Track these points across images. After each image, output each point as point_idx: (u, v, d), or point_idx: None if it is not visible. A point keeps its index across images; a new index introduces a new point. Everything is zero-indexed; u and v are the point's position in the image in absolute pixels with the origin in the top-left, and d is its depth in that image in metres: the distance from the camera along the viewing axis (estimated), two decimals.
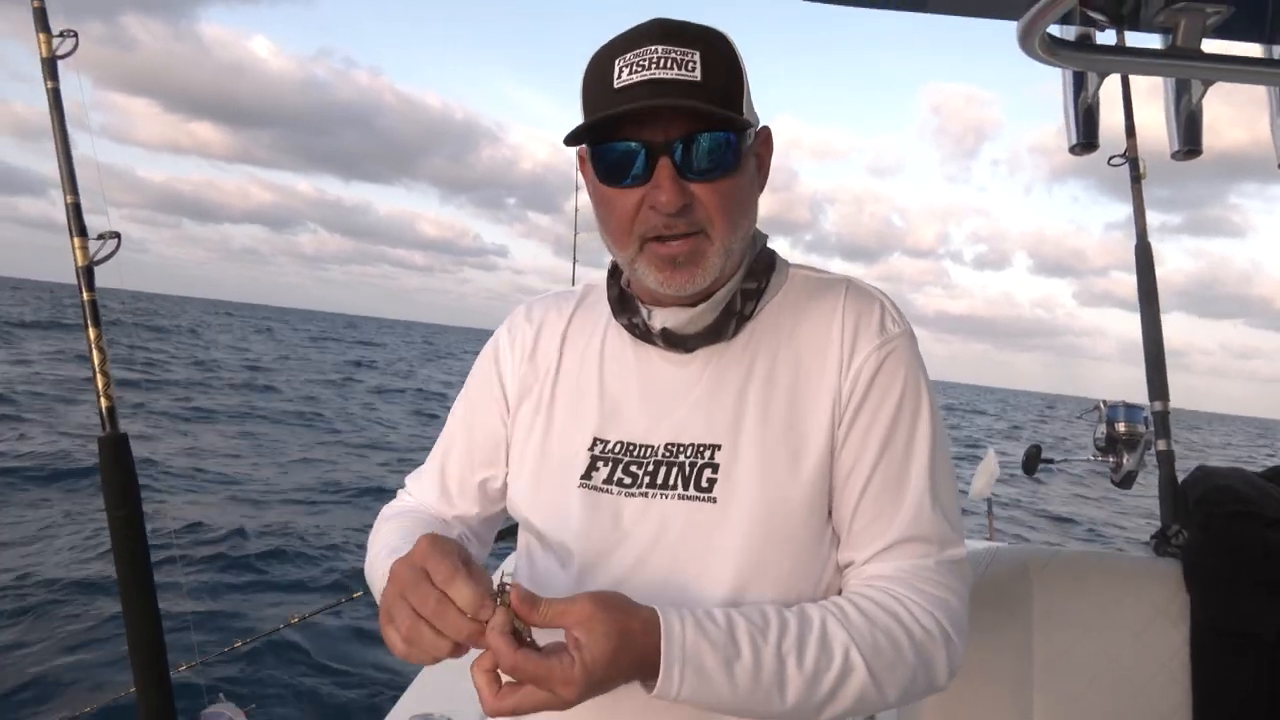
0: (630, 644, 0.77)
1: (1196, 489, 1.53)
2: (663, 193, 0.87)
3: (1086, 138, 1.80)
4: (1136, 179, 1.82)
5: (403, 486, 1.18)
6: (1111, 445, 1.86)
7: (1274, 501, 1.44)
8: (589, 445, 1.00)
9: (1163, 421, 1.69)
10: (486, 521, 1.13)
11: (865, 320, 0.96)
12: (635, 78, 0.85)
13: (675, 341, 0.98)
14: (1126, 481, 1.84)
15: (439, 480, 1.11)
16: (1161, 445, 1.67)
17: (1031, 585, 1.38)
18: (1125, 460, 1.83)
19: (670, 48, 0.85)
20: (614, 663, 0.76)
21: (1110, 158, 1.87)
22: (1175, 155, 1.74)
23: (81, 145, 1.41)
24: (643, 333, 1.00)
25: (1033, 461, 2.14)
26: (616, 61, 0.87)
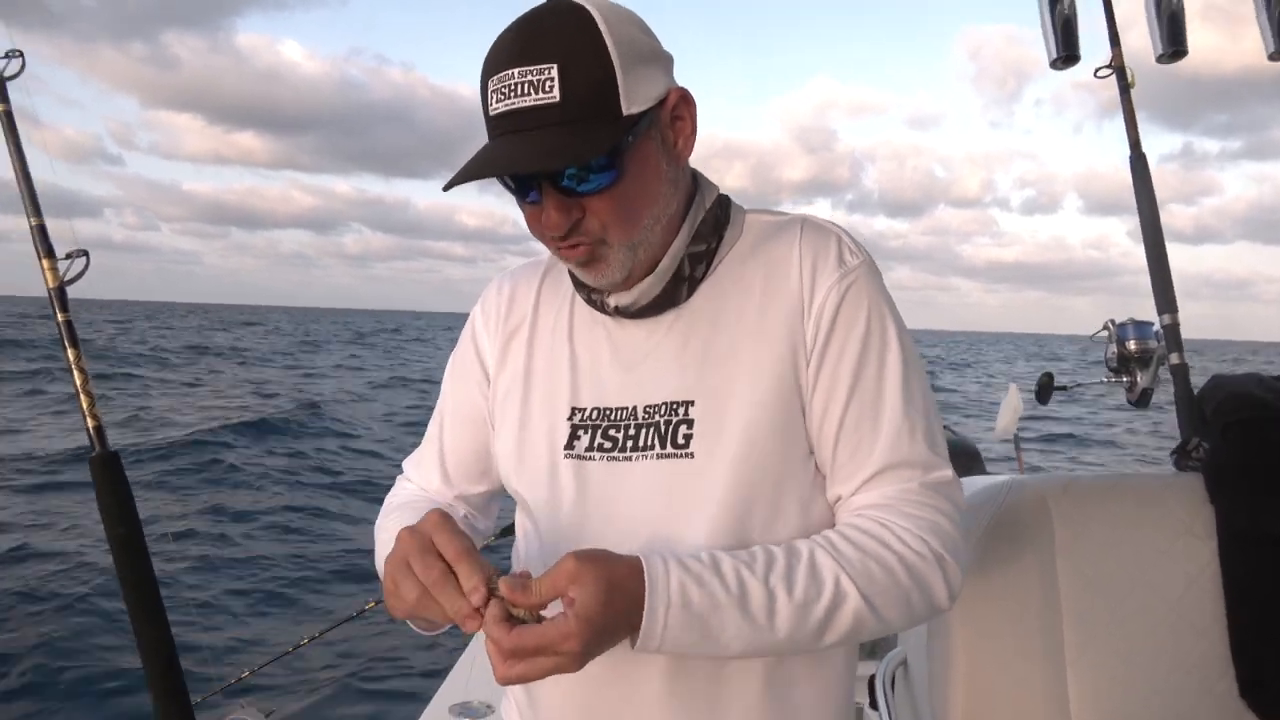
0: (620, 588, 0.78)
1: (1212, 399, 1.49)
2: (548, 216, 0.88)
3: (1067, 49, 1.75)
4: (1125, 89, 1.77)
5: (401, 473, 1.18)
6: (1124, 364, 1.82)
7: None
8: (568, 415, 1.00)
9: (1173, 335, 1.64)
10: (488, 497, 1.15)
11: (822, 256, 0.95)
12: (501, 106, 0.84)
13: (630, 314, 0.98)
14: (1143, 400, 1.80)
15: (438, 462, 1.12)
16: (1174, 359, 1.63)
17: (1051, 514, 1.35)
18: (1139, 378, 1.79)
19: (527, 69, 0.82)
20: (608, 608, 0.76)
21: (1096, 69, 1.82)
22: (1160, 59, 1.68)
23: (39, 166, 1.41)
24: (600, 306, 1.00)
25: (1046, 390, 2.10)
26: (488, 83, 0.86)
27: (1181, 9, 1.63)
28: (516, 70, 0.83)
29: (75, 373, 1.37)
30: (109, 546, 1.41)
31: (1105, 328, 1.86)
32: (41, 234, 1.39)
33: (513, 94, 0.83)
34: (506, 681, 0.77)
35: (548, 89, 0.82)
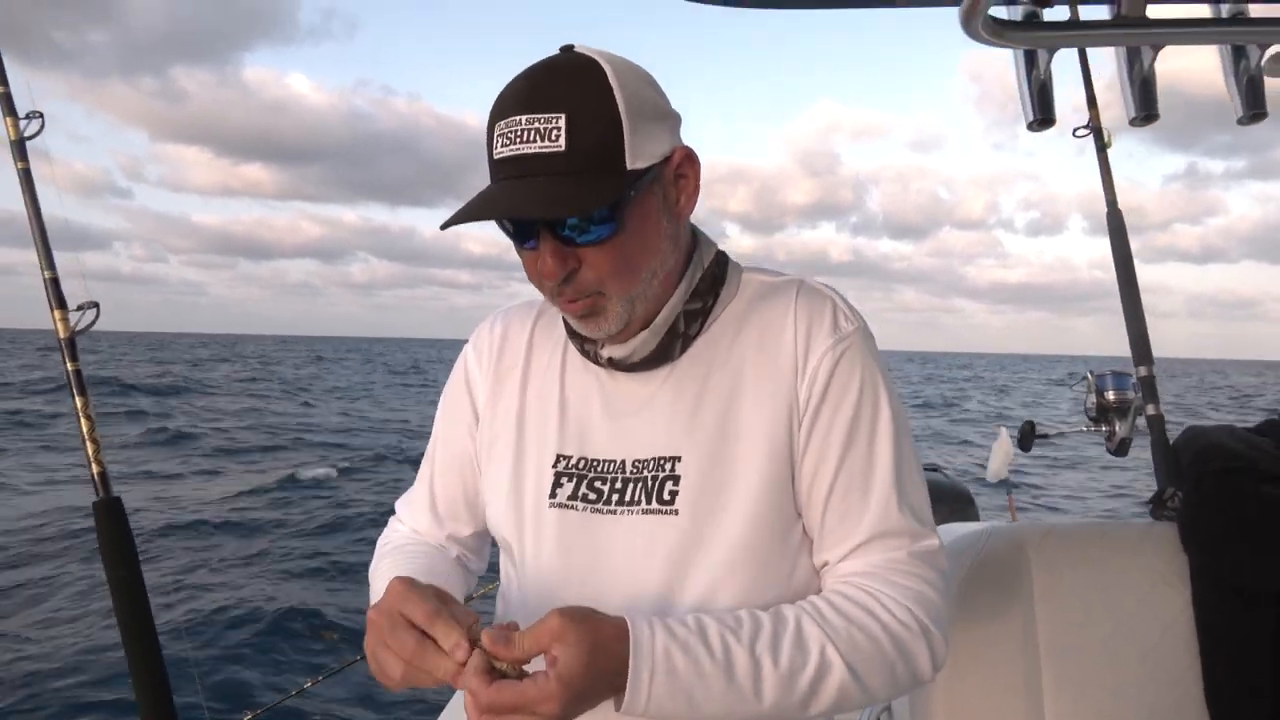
0: (604, 651, 0.78)
1: (1188, 450, 1.53)
2: (545, 263, 0.89)
3: (1043, 113, 1.81)
4: (1101, 148, 1.83)
5: (394, 513, 1.19)
6: (1103, 414, 1.86)
7: (1265, 455, 1.45)
8: (552, 462, 1.01)
9: (1149, 386, 1.69)
10: (479, 538, 1.15)
11: (818, 321, 0.97)
12: (506, 151, 0.85)
13: (623, 368, 0.99)
14: (1121, 449, 1.84)
15: (428, 503, 1.13)
16: (1150, 410, 1.68)
17: (1029, 561, 1.38)
18: (1118, 428, 1.83)
19: (534, 116, 0.83)
20: (590, 671, 0.76)
21: (1075, 129, 1.88)
22: (1133, 122, 1.75)
23: (52, 205, 1.47)
24: (594, 357, 1.01)
25: (1028, 438, 2.14)
26: (495, 127, 0.87)
27: (1153, 76, 1.70)
28: (524, 117, 0.84)
29: (82, 420, 1.41)
30: (109, 587, 1.43)
31: (1084, 378, 1.90)
32: (55, 287, 1.44)
33: (519, 140, 0.84)
34: None
35: (554, 138, 0.83)
